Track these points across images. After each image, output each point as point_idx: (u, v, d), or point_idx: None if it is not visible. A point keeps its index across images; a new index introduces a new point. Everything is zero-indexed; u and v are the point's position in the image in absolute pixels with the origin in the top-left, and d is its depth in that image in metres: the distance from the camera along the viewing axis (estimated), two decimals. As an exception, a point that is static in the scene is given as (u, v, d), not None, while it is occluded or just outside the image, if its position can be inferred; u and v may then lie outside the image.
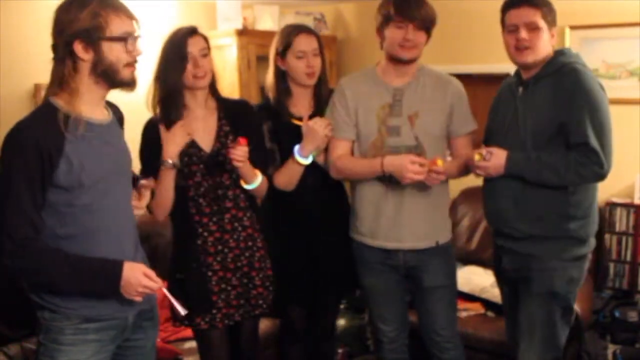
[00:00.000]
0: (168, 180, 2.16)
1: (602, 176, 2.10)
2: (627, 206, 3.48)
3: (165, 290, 1.79)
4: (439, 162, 2.15)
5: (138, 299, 1.71)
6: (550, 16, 2.15)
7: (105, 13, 1.65)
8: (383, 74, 2.36)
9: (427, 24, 2.23)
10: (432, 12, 2.25)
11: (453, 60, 4.03)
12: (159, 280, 1.72)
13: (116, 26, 1.66)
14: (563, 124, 2.08)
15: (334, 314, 2.82)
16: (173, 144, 2.14)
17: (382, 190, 2.33)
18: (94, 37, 1.65)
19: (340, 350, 3.33)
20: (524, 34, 2.12)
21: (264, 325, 3.09)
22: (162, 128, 2.18)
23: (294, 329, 2.67)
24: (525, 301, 2.26)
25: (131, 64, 1.71)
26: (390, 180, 2.28)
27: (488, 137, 2.34)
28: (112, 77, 1.71)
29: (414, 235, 2.35)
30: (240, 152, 2.14)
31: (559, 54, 2.19)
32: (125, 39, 1.68)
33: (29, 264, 1.66)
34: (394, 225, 2.34)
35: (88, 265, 1.68)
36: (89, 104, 1.73)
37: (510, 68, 3.83)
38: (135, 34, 1.70)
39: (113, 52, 1.67)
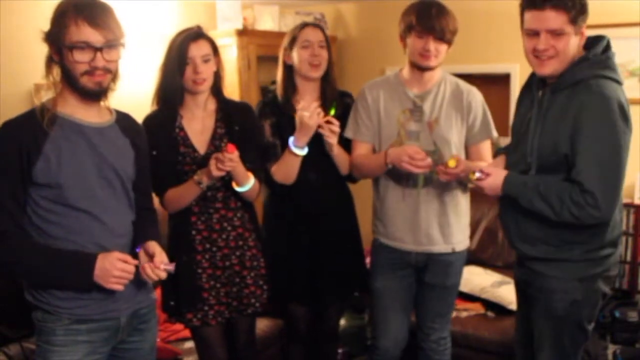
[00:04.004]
0: (193, 195, 2.20)
1: (598, 220, 1.88)
2: (627, 206, 3.47)
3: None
4: (450, 163, 2.19)
5: (118, 287, 1.69)
6: (580, 16, 1.85)
7: (67, 20, 1.65)
8: (405, 80, 2.40)
9: (447, 36, 2.25)
10: (453, 23, 2.27)
11: (453, 60, 3.95)
12: (133, 261, 1.72)
13: (73, 34, 1.65)
14: (566, 155, 1.90)
15: (337, 316, 2.81)
16: (216, 172, 2.11)
17: (401, 192, 2.38)
18: (57, 42, 1.67)
19: (340, 350, 3.33)
20: (544, 43, 1.86)
21: (264, 325, 3.09)
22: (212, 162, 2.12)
23: (297, 329, 2.66)
24: (534, 317, 2.15)
25: (90, 73, 1.68)
26: (407, 184, 2.36)
27: (512, 136, 2.23)
28: (73, 84, 1.70)
29: (428, 239, 2.40)
30: (226, 160, 2.09)
31: (582, 60, 1.91)
32: (72, 48, 1.65)
33: (4, 256, 1.68)
34: (410, 227, 2.40)
35: (62, 258, 1.69)
36: (76, 106, 1.74)
37: (510, 68, 3.87)
38: (97, 45, 1.65)
39: (69, 59, 1.67)
